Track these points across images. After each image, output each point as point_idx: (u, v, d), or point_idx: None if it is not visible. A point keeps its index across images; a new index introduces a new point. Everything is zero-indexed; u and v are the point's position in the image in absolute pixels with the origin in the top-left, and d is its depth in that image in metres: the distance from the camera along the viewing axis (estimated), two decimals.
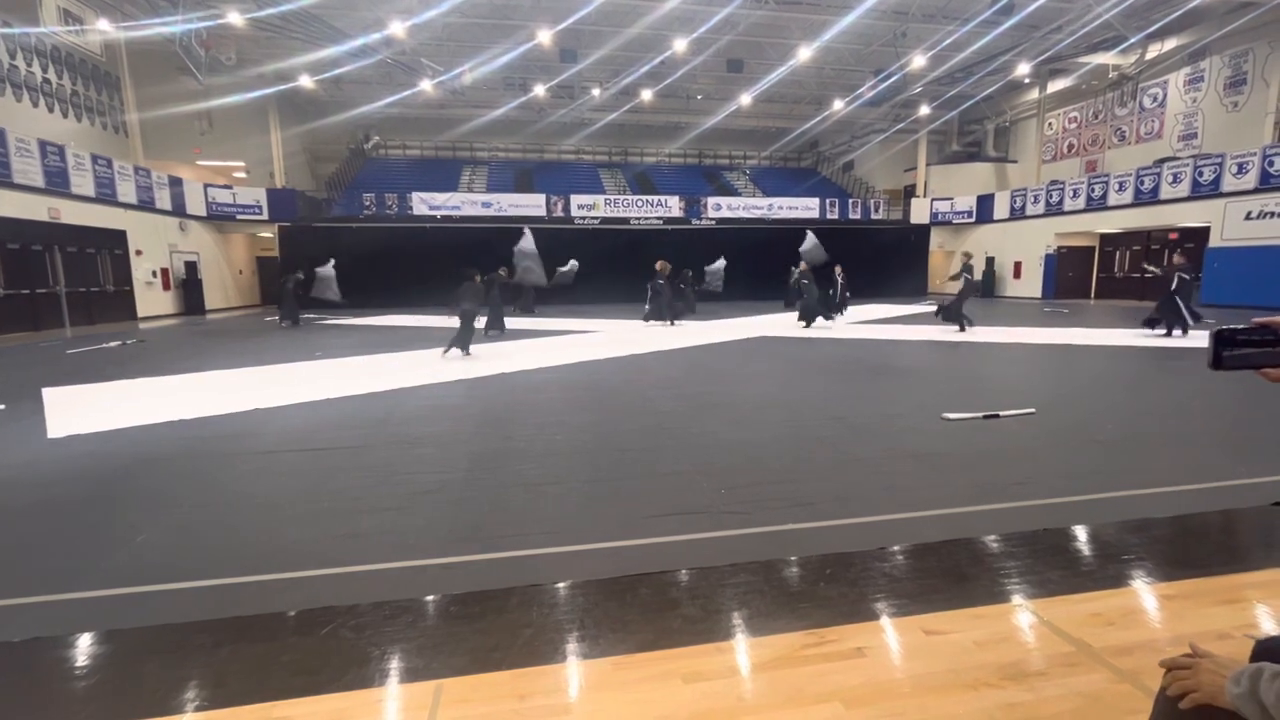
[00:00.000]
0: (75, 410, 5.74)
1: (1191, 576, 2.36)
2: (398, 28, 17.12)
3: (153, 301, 17.61)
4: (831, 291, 14.17)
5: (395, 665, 1.90)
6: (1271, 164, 15.71)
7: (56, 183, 14.18)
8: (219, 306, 20.64)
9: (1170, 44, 19.30)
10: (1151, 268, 11.86)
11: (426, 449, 4.43)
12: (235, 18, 15.90)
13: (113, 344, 11.18)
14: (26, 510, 3.39)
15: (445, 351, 9.16)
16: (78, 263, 15.02)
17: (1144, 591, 2.29)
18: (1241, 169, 16.34)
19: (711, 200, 24.82)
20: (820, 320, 12.90)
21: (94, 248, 15.55)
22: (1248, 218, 16.21)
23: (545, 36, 18.07)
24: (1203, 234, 17.57)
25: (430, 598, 2.35)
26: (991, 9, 17.12)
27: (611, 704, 1.70)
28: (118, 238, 16.32)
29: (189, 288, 19.31)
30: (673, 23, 18.16)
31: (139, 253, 17.05)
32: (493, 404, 5.96)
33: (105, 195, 15.75)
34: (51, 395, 6.43)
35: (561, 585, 2.41)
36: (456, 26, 18.85)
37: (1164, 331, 10.32)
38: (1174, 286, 10.18)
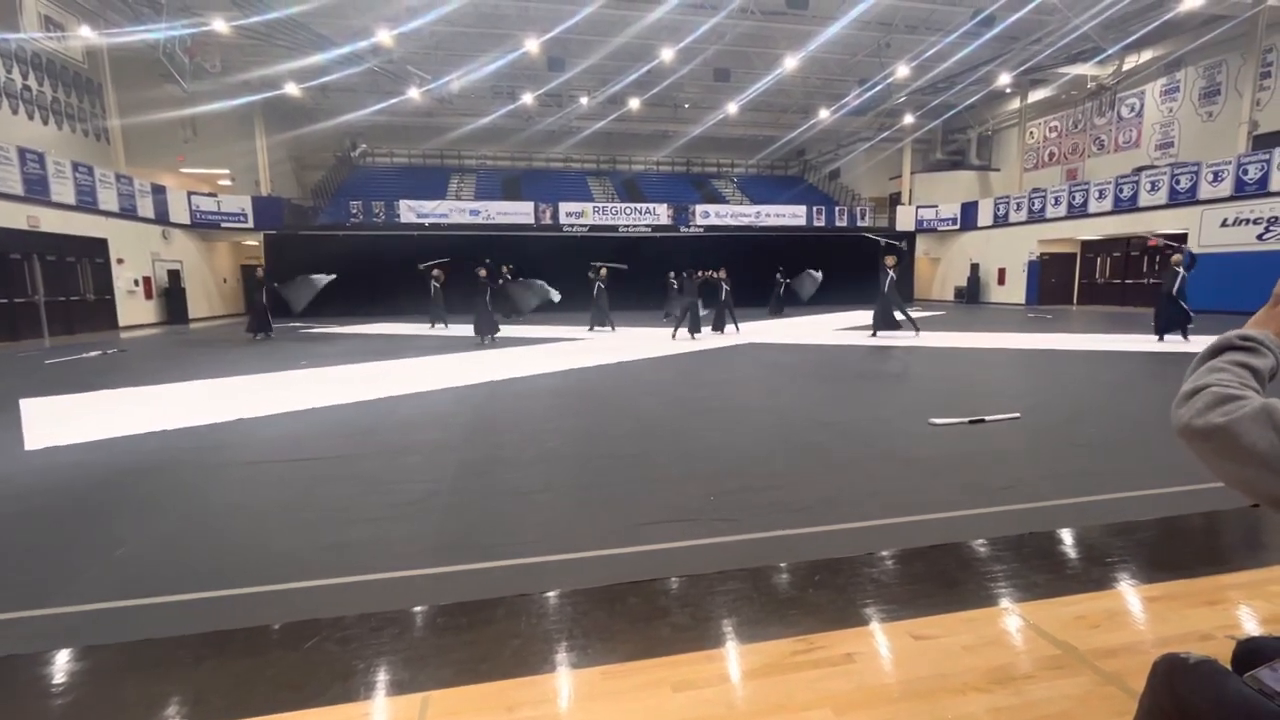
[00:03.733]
0: (54, 421, 5.64)
1: (1174, 578, 2.39)
2: (385, 36, 17.11)
3: (134, 311, 17.37)
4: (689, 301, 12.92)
5: (381, 678, 1.87)
6: (1246, 172, 16.07)
7: (36, 190, 13.97)
8: (202, 315, 20.40)
9: (1146, 55, 19.75)
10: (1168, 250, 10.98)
11: (414, 458, 4.39)
12: (220, 25, 15.81)
13: (93, 354, 11.00)
14: (2, 523, 3.31)
15: (674, 334, 12.33)
16: (57, 271, 14.79)
17: (1128, 593, 2.32)
18: (1217, 177, 16.70)
19: (699, 208, 24.98)
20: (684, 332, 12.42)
21: (74, 256, 15.32)
22: (1224, 224, 16.56)
23: (533, 45, 18.15)
24: (1180, 240, 17.93)
25: (417, 609, 2.32)
26: (973, 21, 17.43)
27: (601, 714, 1.69)
28: (98, 246, 16.10)
29: (172, 297, 19.07)
30: (660, 32, 18.30)
31: (120, 261, 16.82)
32: (481, 411, 5.93)
33: (86, 203, 15.54)
34: (29, 406, 6.31)
35: (550, 594, 2.39)
36: (444, 35, 18.87)
37: (1181, 336, 10.04)
38: (1175, 288, 9.96)
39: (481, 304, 12.30)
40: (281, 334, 14.52)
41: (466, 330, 13.19)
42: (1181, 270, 9.93)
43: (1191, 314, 10.12)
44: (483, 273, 12.59)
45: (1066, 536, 2.88)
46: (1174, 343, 10.20)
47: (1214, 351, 0.94)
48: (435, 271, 15.40)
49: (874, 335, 12.00)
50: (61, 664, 2.02)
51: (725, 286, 13.46)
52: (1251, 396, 0.84)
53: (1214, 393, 0.86)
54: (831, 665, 1.86)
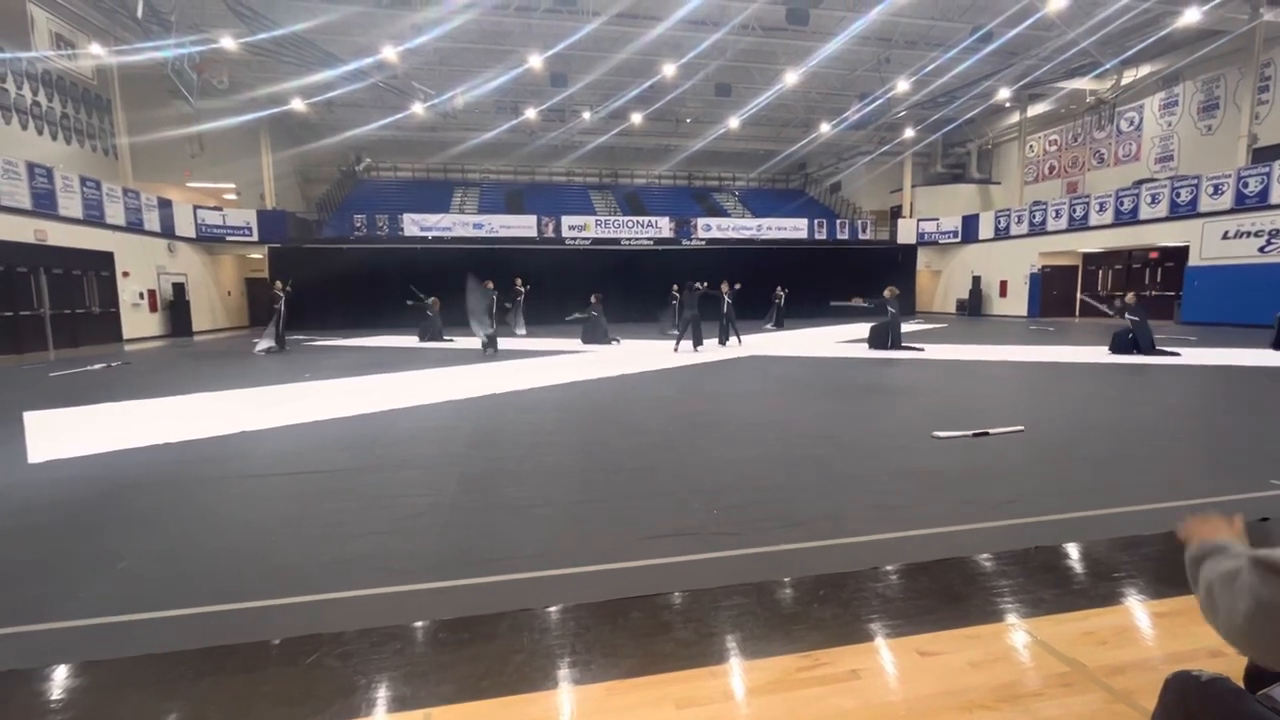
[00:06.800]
0: (57, 434, 5.64)
1: (1183, 594, 2.36)
2: (390, 52, 17.32)
3: (139, 323, 17.45)
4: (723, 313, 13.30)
5: (382, 694, 1.86)
6: (1246, 185, 16.13)
7: (44, 204, 14.11)
8: (206, 328, 20.48)
9: (1145, 70, 19.90)
10: (1102, 306, 11.84)
11: (416, 471, 4.39)
12: (228, 42, 16.03)
13: (97, 367, 11.04)
14: (2, 537, 3.30)
15: (676, 347, 12.38)
16: (63, 285, 14.88)
17: (1136, 609, 2.29)
18: (1217, 190, 16.76)
19: (701, 221, 25.10)
20: (687, 344, 12.55)
21: (80, 269, 15.43)
22: (1225, 237, 16.59)
23: (536, 61, 18.35)
24: (1182, 253, 17.96)
25: (418, 624, 2.30)
26: (972, 36, 17.60)
27: None
28: (105, 259, 16.22)
29: (176, 309, 19.17)
30: (662, 48, 18.51)
31: (126, 274, 16.94)
32: (483, 425, 5.93)
33: (93, 217, 15.68)
34: (33, 419, 6.32)
35: (552, 609, 2.37)
36: (448, 51, 19.11)
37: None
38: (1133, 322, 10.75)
39: (492, 318, 12.62)
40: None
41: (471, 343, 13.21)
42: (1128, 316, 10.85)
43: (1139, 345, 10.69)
44: (489, 284, 12.79)
45: (1073, 551, 2.85)
46: (1174, 355, 10.19)
47: (1197, 561, 1.03)
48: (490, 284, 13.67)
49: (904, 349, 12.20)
50: (61, 680, 2.01)
51: (728, 299, 13.52)
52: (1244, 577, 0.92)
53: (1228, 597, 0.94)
54: (836, 682, 1.84)
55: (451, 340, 15.35)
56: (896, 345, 12.10)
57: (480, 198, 28.15)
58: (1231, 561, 0.94)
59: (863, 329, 15.28)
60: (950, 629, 2.13)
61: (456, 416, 6.31)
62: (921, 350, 12.04)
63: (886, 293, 12.32)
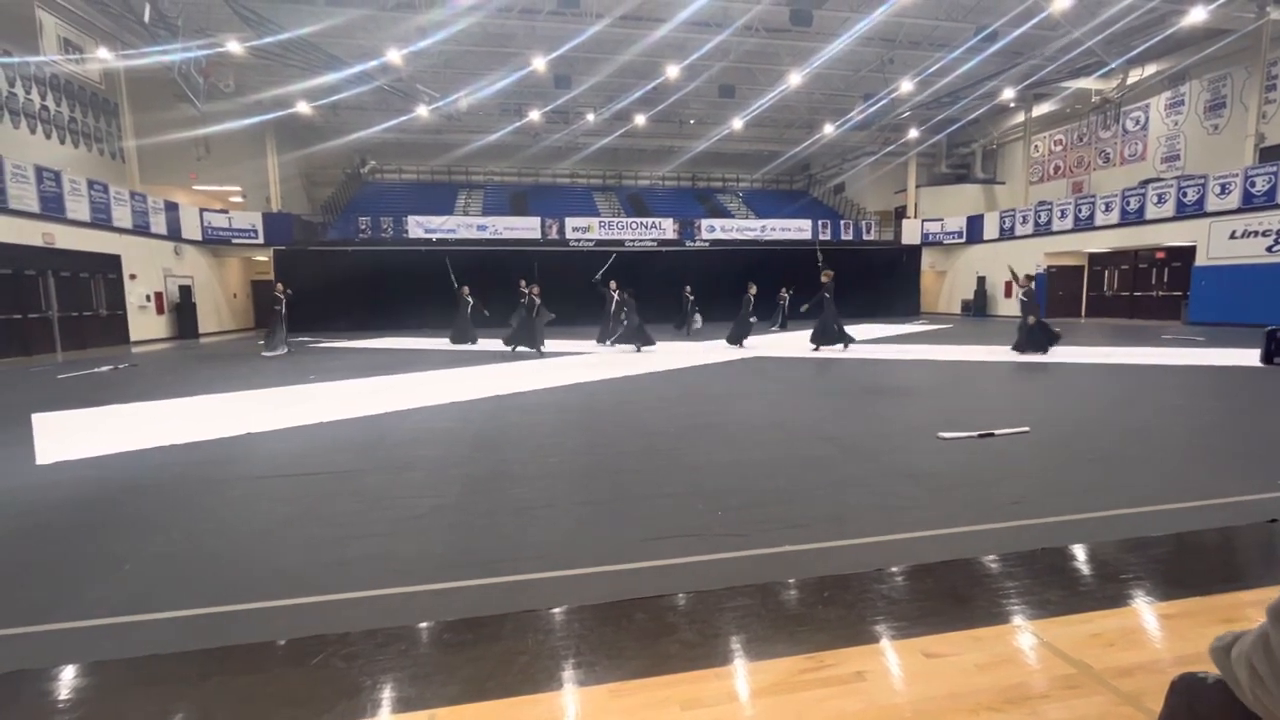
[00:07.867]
0: (64, 436, 5.68)
1: (1191, 595, 2.34)
2: (395, 55, 17.40)
3: (145, 326, 17.56)
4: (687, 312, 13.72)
5: (387, 695, 1.86)
6: (1253, 184, 16.03)
7: (51, 208, 14.21)
8: (212, 330, 20.59)
9: (1150, 69, 19.81)
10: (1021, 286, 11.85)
11: (419, 473, 4.39)
12: (234, 46, 16.13)
13: (104, 369, 11.11)
14: (10, 538, 3.33)
15: (613, 344, 13.08)
16: (71, 287, 14.99)
17: (1144, 611, 2.28)
18: (1224, 189, 16.66)
19: (705, 222, 25.09)
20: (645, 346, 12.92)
21: (88, 272, 15.54)
22: (1232, 237, 16.49)
23: (540, 63, 18.39)
24: (1189, 253, 17.86)
25: (423, 625, 2.31)
26: (976, 37, 17.56)
27: None
28: (112, 262, 16.33)
29: (182, 312, 19.28)
30: (665, 50, 18.53)
31: (133, 277, 17.04)
32: (486, 426, 5.94)
33: (100, 220, 15.79)
34: (41, 421, 6.36)
35: (556, 611, 2.37)
36: (453, 54, 19.18)
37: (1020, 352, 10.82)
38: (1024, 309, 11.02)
39: (523, 318, 12.99)
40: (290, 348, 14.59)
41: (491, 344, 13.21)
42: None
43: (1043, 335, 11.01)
44: (535, 289, 13.15)
45: (1079, 552, 2.84)
46: (1178, 355, 10.13)
47: (1225, 651, 0.99)
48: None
49: (816, 349, 12.29)
50: (68, 680, 2.02)
51: (750, 300, 13.81)
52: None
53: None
54: (841, 684, 1.83)
55: (469, 343, 15.06)
56: (843, 337, 12.11)
57: (484, 200, 28.21)
58: (1255, 630, 0.90)
59: (863, 331, 15.25)
60: (956, 630, 2.12)
61: (461, 418, 6.32)
62: (844, 347, 11.98)
63: (824, 277, 12.23)
